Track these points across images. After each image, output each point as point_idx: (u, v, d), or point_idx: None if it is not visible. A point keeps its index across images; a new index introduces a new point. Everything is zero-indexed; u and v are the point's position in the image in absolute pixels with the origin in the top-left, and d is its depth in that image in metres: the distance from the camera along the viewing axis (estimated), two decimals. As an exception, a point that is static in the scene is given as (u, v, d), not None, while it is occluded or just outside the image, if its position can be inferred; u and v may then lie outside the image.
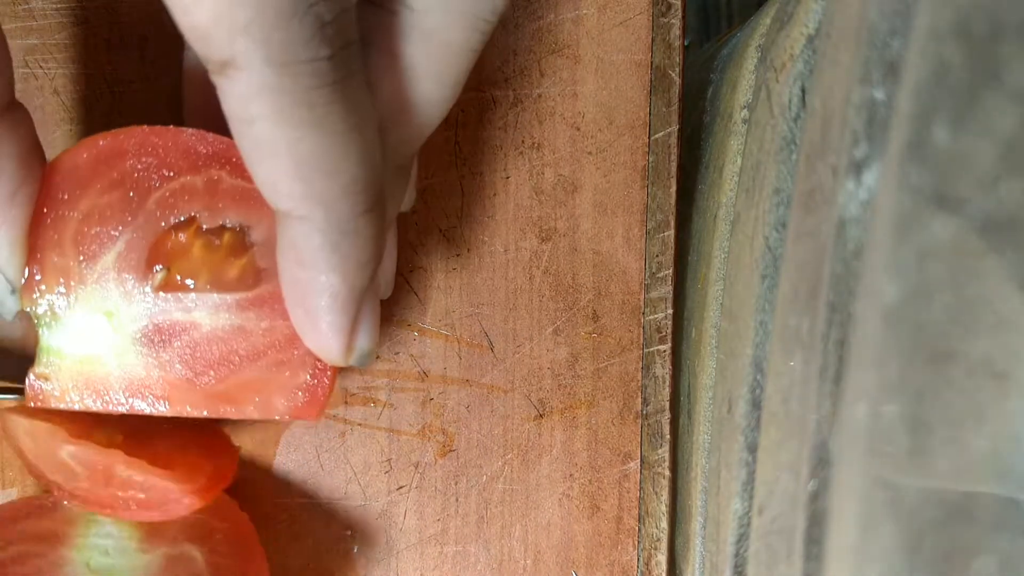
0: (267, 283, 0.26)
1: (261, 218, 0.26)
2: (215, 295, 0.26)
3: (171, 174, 0.26)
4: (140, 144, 0.26)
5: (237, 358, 0.26)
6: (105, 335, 0.26)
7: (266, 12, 0.19)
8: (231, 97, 0.20)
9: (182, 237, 0.26)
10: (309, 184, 0.21)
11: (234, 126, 0.21)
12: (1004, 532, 0.18)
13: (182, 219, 0.26)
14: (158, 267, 0.26)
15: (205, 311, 0.26)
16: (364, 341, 0.24)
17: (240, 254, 0.27)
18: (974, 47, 0.17)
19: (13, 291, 0.26)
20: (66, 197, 0.26)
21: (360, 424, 0.31)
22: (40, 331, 0.26)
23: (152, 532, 0.29)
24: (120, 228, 0.26)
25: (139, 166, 0.26)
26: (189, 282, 0.26)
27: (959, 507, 0.18)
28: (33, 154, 0.25)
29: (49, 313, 0.26)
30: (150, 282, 0.26)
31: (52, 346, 0.26)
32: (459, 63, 0.23)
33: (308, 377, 0.26)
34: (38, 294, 0.26)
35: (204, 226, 0.26)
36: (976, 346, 0.18)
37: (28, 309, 0.26)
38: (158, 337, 0.26)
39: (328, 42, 0.20)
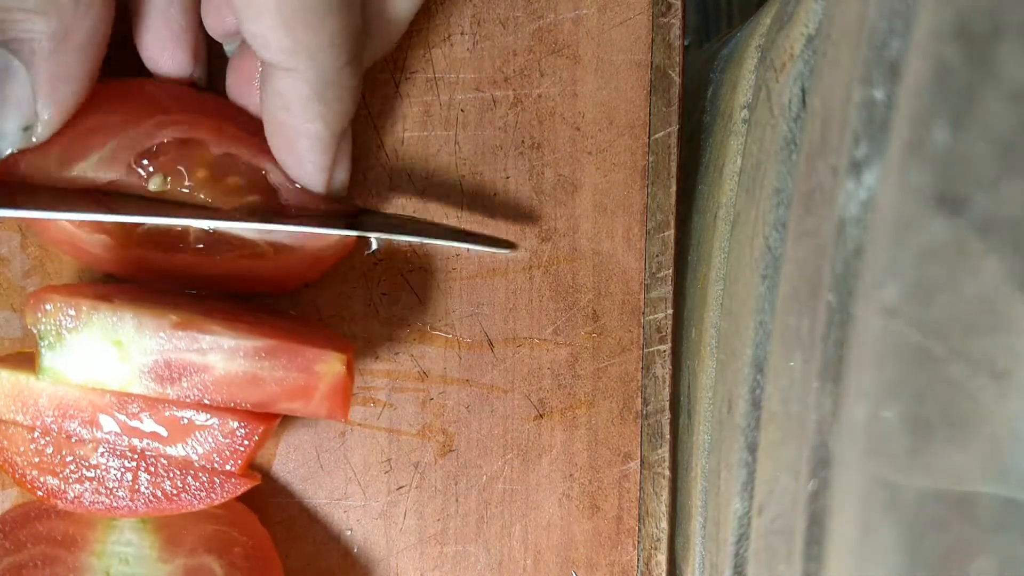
0: (282, 337, 0.26)
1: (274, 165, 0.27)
2: (231, 339, 0.26)
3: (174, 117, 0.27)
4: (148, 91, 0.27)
5: (248, 404, 0.26)
6: (111, 364, 0.26)
7: None
8: None
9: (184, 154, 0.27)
10: (295, 37, 0.23)
11: None
12: (1004, 532, 0.18)
13: (183, 138, 0.27)
14: (149, 166, 0.26)
15: (220, 355, 0.26)
16: (341, 174, 0.27)
17: (250, 190, 0.27)
18: (974, 47, 0.17)
19: (26, 128, 0.25)
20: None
21: (360, 424, 0.31)
22: (41, 351, 0.25)
23: (172, 541, 0.29)
24: (115, 137, 0.26)
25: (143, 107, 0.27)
26: (186, 188, 0.27)
27: (959, 507, 0.18)
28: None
29: (54, 334, 0.25)
30: (144, 181, 0.26)
31: (53, 367, 0.25)
32: None
33: (324, 413, 0.27)
34: (43, 314, 0.25)
35: (212, 151, 0.27)
36: (976, 346, 0.17)
37: (32, 328, 0.25)
38: (168, 373, 0.26)
39: None
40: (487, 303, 0.31)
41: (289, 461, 0.31)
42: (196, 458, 0.27)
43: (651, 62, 0.30)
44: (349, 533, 0.31)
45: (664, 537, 0.31)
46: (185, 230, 0.28)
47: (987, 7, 0.17)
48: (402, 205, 0.30)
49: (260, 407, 0.26)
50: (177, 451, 0.27)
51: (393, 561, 0.31)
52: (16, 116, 0.24)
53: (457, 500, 0.31)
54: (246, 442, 0.27)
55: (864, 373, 0.19)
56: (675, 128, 0.30)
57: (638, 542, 0.31)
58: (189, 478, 0.27)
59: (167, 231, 0.28)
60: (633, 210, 0.30)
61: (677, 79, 0.30)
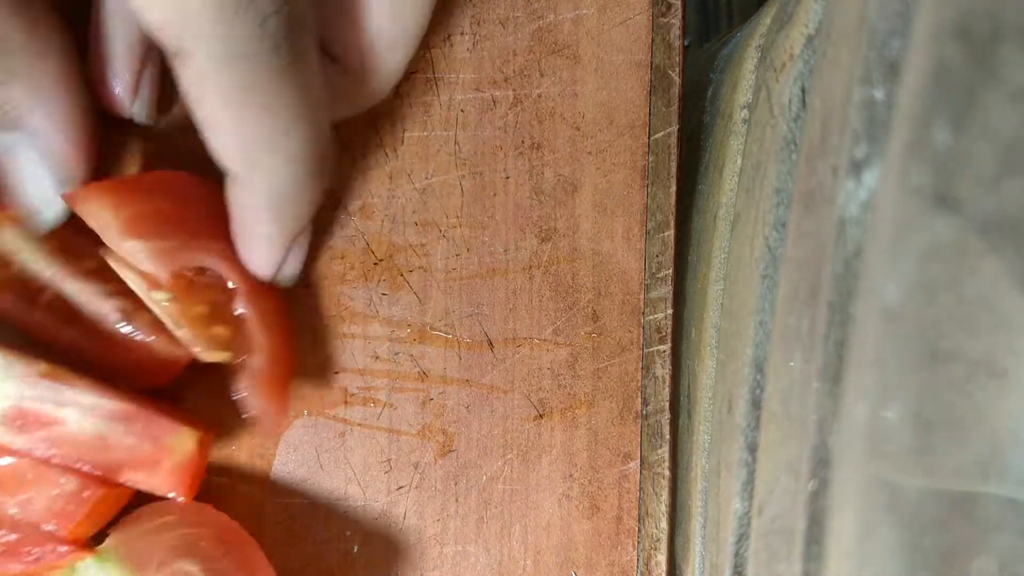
0: (140, 403, 0.26)
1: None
2: (90, 396, 0.26)
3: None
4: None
5: (92, 466, 0.26)
6: None
7: (207, 10, 0.20)
8: (183, 79, 0.22)
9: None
10: (252, 157, 0.23)
11: (188, 102, 0.23)
12: (1004, 532, 0.18)
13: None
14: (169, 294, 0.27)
15: (76, 411, 0.26)
16: (291, 268, 0.28)
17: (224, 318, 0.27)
18: (974, 47, 0.17)
19: (63, 187, 0.26)
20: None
21: (360, 424, 0.31)
22: None
23: (140, 562, 0.28)
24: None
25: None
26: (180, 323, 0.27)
27: (959, 507, 0.18)
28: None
29: None
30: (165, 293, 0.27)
31: None
32: (416, 12, 0.26)
33: (166, 489, 0.27)
34: None
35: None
36: (976, 346, 0.17)
37: None
38: (20, 422, 0.26)
39: (271, 34, 0.21)
40: (487, 303, 0.31)
41: (289, 461, 0.31)
42: (26, 515, 0.26)
43: (651, 62, 0.30)
44: (349, 533, 0.31)
45: (664, 537, 0.31)
46: (41, 286, 0.28)
47: (987, 7, 0.17)
48: (401, 206, 0.30)
49: (105, 471, 0.26)
50: (7, 505, 0.27)
51: (393, 561, 0.31)
52: (43, 182, 0.26)
53: (457, 500, 0.31)
54: (81, 505, 0.27)
55: (864, 373, 0.19)
56: (675, 128, 0.30)
57: (638, 542, 0.31)
58: (11, 535, 0.27)
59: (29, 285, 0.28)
60: (633, 210, 0.30)
61: (677, 79, 0.30)
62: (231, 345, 0.28)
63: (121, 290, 0.28)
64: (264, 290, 0.28)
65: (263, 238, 0.26)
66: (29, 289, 0.28)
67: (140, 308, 0.28)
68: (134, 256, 0.26)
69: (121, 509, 0.29)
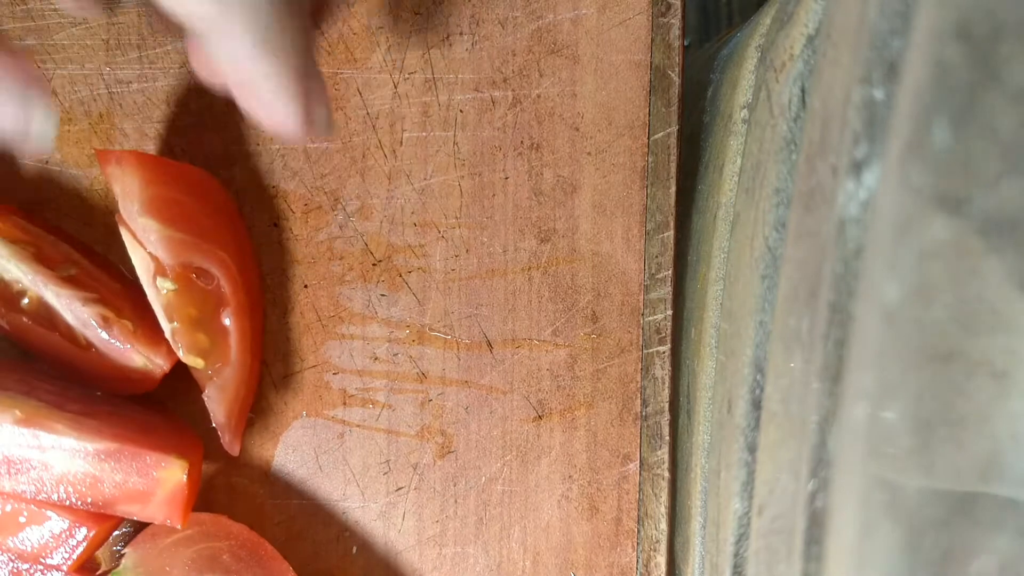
0: (125, 441, 0.27)
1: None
2: (73, 440, 0.26)
3: None
4: None
5: (85, 504, 0.26)
6: None
7: None
8: None
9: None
10: (220, 2, 0.22)
11: None
12: (1004, 532, 0.18)
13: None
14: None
15: (61, 454, 0.26)
16: (320, 110, 0.25)
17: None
18: (974, 47, 0.17)
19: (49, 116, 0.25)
20: None
21: (359, 425, 0.31)
22: None
23: None
24: None
25: None
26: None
27: (959, 507, 0.18)
28: None
29: None
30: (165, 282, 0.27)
31: None
32: None
33: (160, 518, 0.27)
34: None
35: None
36: (976, 346, 0.17)
37: None
38: (6, 467, 0.26)
39: None
40: (486, 304, 0.30)
41: (288, 462, 0.31)
42: (28, 550, 0.27)
43: (651, 62, 0.30)
44: (347, 534, 0.31)
45: (663, 538, 0.31)
46: (21, 290, 0.28)
47: (987, 7, 0.17)
48: (400, 207, 0.30)
49: (98, 508, 0.27)
50: (8, 541, 0.27)
51: (392, 562, 0.31)
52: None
53: (456, 501, 0.31)
54: (78, 541, 0.27)
55: (864, 373, 0.19)
56: (675, 128, 0.30)
57: (637, 543, 0.31)
58: (21, 564, 0.27)
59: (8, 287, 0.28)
60: (632, 211, 0.30)
61: (677, 79, 0.30)
62: (209, 355, 0.28)
63: (99, 298, 0.28)
64: (253, 308, 0.29)
65: (269, 80, 0.24)
66: (9, 294, 0.28)
67: (119, 316, 0.28)
68: (145, 234, 0.26)
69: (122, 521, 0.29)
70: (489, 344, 0.31)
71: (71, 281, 0.28)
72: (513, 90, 0.30)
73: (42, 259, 0.28)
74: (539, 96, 0.30)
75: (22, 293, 0.28)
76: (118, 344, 0.28)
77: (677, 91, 0.30)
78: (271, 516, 0.31)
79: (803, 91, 0.24)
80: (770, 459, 0.24)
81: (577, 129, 0.30)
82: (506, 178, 0.30)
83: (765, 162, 0.26)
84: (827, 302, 0.20)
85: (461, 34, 0.30)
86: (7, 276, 0.28)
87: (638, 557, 0.31)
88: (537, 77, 0.30)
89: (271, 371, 0.30)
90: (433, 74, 0.30)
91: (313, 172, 0.30)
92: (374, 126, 0.30)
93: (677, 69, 0.30)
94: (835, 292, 0.20)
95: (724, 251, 0.30)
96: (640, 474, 0.31)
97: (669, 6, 0.30)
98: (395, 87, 0.30)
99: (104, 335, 0.27)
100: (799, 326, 0.22)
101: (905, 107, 0.18)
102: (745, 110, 0.29)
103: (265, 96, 0.25)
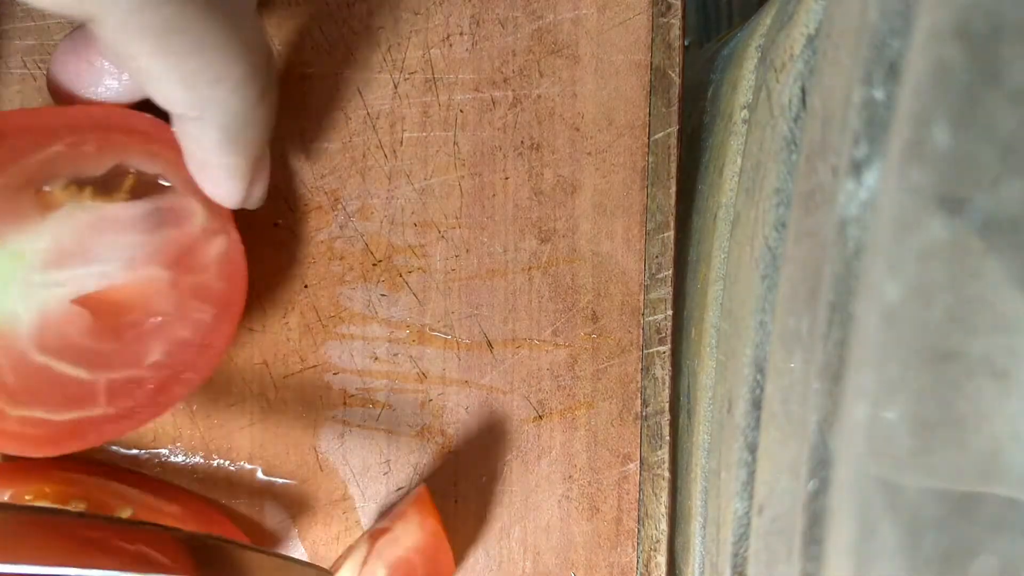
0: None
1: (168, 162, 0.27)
2: None
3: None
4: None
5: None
6: None
7: None
8: (105, 41, 0.22)
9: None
10: (198, 93, 0.23)
11: (120, 62, 0.22)
12: (1004, 532, 0.18)
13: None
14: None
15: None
16: (258, 191, 0.27)
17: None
18: (974, 47, 0.17)
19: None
20: None
21: (359, 425, 0.31)
22: None
23: None
24: None
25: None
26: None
27: (959, 507, 0.18)
28: None
29: None
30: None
31: None
32: None
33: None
34: None
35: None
36: (976, 346, 0.17)
37: None
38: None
39: None
40: (486, 304, 0.30)
41: (288, 462, 0.31)
42: None
43: (651, 62, 0.30)
44: (348, 534, 0.31)
45: (664, 539, 0.31)
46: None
47: (987, 7, 0.17)
48: (400, 207, 0.30)
49: None
50: None
51: (392, 562, 0.31)
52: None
53: (456, 502, 0.31)
54: None
55: (864, 373, 0.19)
56: (675, 129, 0.30)
57: (638, 544, 0.31)
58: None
59: None
60: (633, 211, 0.30)
61: (677, 79, 0.30)
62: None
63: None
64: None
65: (226, 169, 0.26)
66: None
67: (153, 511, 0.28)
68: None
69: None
70: (489, 344, 0.31)
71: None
72: (513, 90, 0.30)
73: (97, 510, 0.28)
74: (539, 96, 0.30)
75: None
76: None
77: (677, 91, 0.30)
78: (271, 516, 0.31)
79: (803, 91, 0.24)
80: (770, 459, 0.24)
81: (577, 129, 0.30)
82: (506, 178, 0.30)
83: (765, 162, 0.26)
84: (827, 302, 0.20)
85: (461, 34, 0.30)
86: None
87: (638, 557, 0.31)
88: (537, 77, 0.30)
89: (271, 371, 0.30)
90: (433, 74, 0.30)
91: (313, 172, 0.30)
92: (374, 126, 0.30)
93: (677, 69, 0.30)
94: (835, 292, 0.20)
95: (724, 251, 0.30)
96: (640, 474, 0.31)
97: (669, 6, 0.30)
98: (395, 87, 0.30)
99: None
100: (799, 326, 0.22)
101: (905, 107, 0.18)
102: (745, 110, 0.29)
103: (215, 178, 0.26)
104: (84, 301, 0.27)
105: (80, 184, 0.27)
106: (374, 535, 0.29)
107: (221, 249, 0.27)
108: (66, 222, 0.26)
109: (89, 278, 0.27)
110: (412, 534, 0.29)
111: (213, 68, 0.23)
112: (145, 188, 0.27)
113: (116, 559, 0.26)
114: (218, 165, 0.26)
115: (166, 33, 0.21)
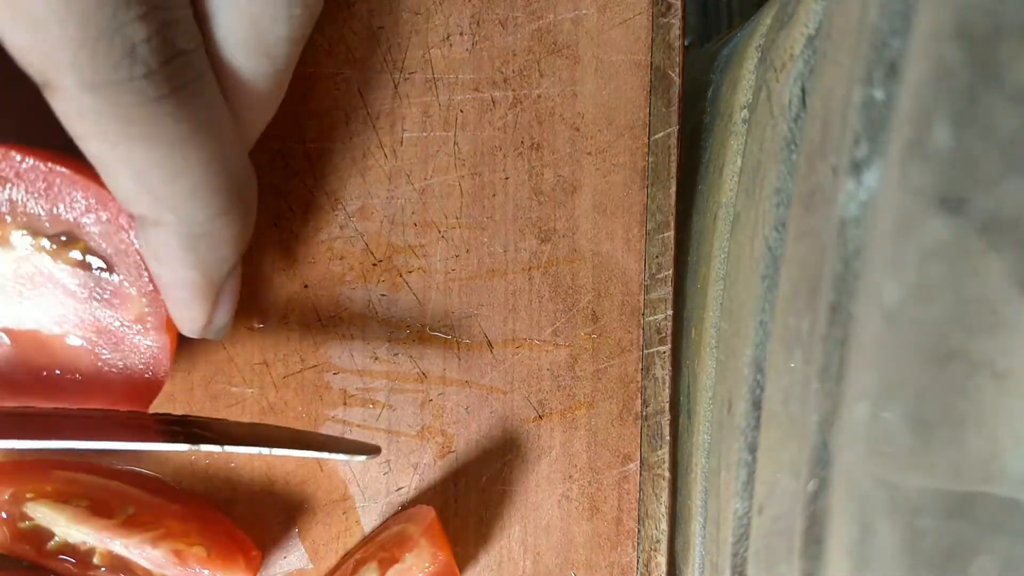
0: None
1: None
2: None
3: None
4: None
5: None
6: None
7: (70, 38, 0.19)
8: (59, 114, 0.21)
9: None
10: (152, 192, 0.22)
11: (74, 140, 0.21)
12: (1004, 532, 0.18)
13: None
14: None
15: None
16: (221, 318, 0.25)
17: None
18: (974, 47, 0.17)
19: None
20: None
21: (359, 425, 0.31)
22: None
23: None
24: None
25: None
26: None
27: (959, 507, 0.18)
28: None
29: None
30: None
31: None
32: (268, 31, 0.23)
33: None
34: None
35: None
36: (976, 346, 0.17)
37: None
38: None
39: (143, 60, 0.20)
40: (486, 304, 0.30)
41: (288, 462, 0.31)
42: None
43: (651, 62, 0.30)
44: (348, 534, 0.31)
45: (664, 539, 0.31)
46: (90, 549, 0.28)
47: (987, 7, 0.17)
48: (401, 207, 0.30)
49: None
50: None
51: (392, 562, 0.31)
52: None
53: (456, 501, 0.31)
54: None
55: (864, 373, 0.19)
56: (675, 129, 0.30)
57: (638, 543, 0.31)
58: None
59: None
60: (633, 211, 0.30)
61: (677, 79, 0.30)
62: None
63: (166, 532, 0.28)
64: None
65: (186, 287, 0.24)
66: (80, 555, 0.28)
67: (189, 545, 0.28)
68: None
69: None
70: (489, 344, 0.31)
71: (132, 523, 0.28)
72: (513, 90, 0.30)
73: (98, 510, 0.28)
74: (539, 96, 0.30)
75: (91, 552, 0.28)
76: (198, 572, 0.28)
77: (677, 91, 0.30)
78: (271, 516, 0.31)
79: (803, 91, 0.24)
80: (770, 459, 0.24)
81: (577, 129, 0.30)
82: (506, 178, 0.30)
83: (765, 162, 0.26)
84: (827, 302, 0.20)
85: (461, 34, 0.30)
86: (72, 540, 0.28)
87: (638, 557, 0.31)
88: (537, 77, 0.30)
89: (271, 371, 0.30)
90: (433, 74, 0.30)
91: (313, 172, 0.30)
92: (374, 126, 0.30)
93: (677, 69, 0.30)
94: (835, 292, 0.20)
95: (724, 251, 0.30)
96: (640, 474, 0.31)
97: (669, 6, 0.30)
98: (395, 87, 0.30)
99: (181, 570, 0.28)
100: (799, 326, 0.22)
101: (905, 107, 0.18)
102: (745, 110, 0.29)
103: (175, 297, 0.25)
104: (10, 332, 0.26)
105: (35, 232, 0.26)
106: (383, 562, 0.29)
107: (150, 344, 0.26)
108: (11, 260, 0.25)
109: (20, 316, 0.26)
110: (424, 567, 0.28)
111: (168, 165, 0.21)
112: (98, 255, 0.27)
113: None
114: (177, 281, 0.24)
115: (118, 121, 0.20)
